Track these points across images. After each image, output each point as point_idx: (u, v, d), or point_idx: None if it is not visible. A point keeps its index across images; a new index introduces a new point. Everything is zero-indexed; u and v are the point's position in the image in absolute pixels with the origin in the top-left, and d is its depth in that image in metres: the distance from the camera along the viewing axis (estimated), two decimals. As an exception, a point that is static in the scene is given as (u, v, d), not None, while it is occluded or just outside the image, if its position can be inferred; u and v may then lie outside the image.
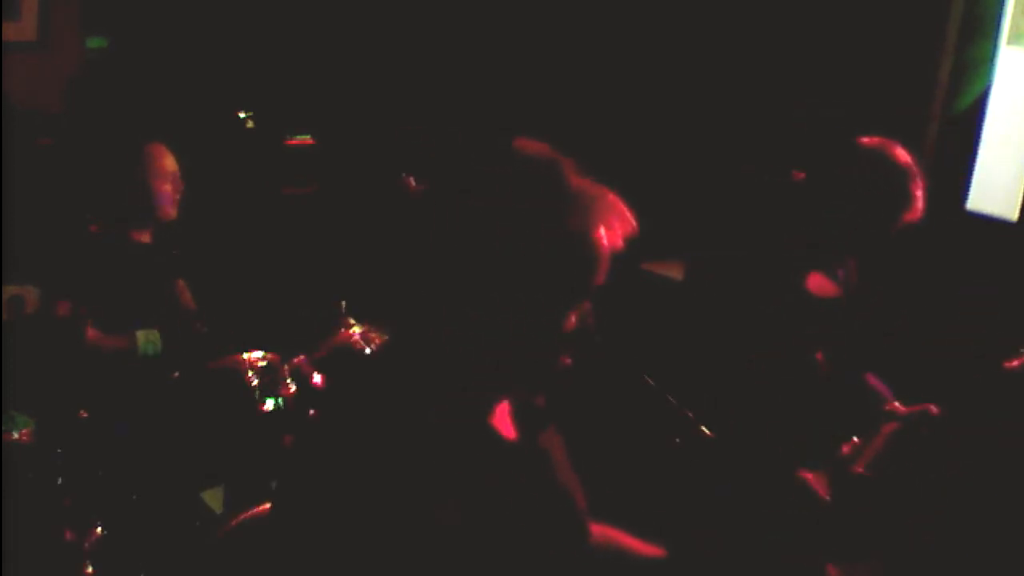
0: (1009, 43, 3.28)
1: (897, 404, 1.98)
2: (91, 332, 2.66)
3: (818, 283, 2.43)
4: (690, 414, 1.75)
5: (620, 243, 1.27)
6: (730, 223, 2.55)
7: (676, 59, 3.89)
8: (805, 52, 3.56)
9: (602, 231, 1.25)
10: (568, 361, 1.30)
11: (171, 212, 2.86)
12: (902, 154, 2.32)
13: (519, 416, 1.37)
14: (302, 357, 2.46)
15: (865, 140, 2.36)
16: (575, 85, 4.03)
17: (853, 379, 2.50)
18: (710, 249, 2.58)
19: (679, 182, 3.89)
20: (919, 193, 2.30)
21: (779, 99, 3.65)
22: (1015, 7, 3.25)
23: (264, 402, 2.38)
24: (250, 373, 2.39)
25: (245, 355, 2.44)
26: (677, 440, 1.81)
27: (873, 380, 2.54)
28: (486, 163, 1.28)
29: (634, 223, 1.29)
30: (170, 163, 2.85)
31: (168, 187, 2.83)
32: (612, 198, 1.28)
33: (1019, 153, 3.28)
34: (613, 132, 3.95)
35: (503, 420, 1.35)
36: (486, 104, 4.02)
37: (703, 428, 1.80)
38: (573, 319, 1.28)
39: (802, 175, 2.46)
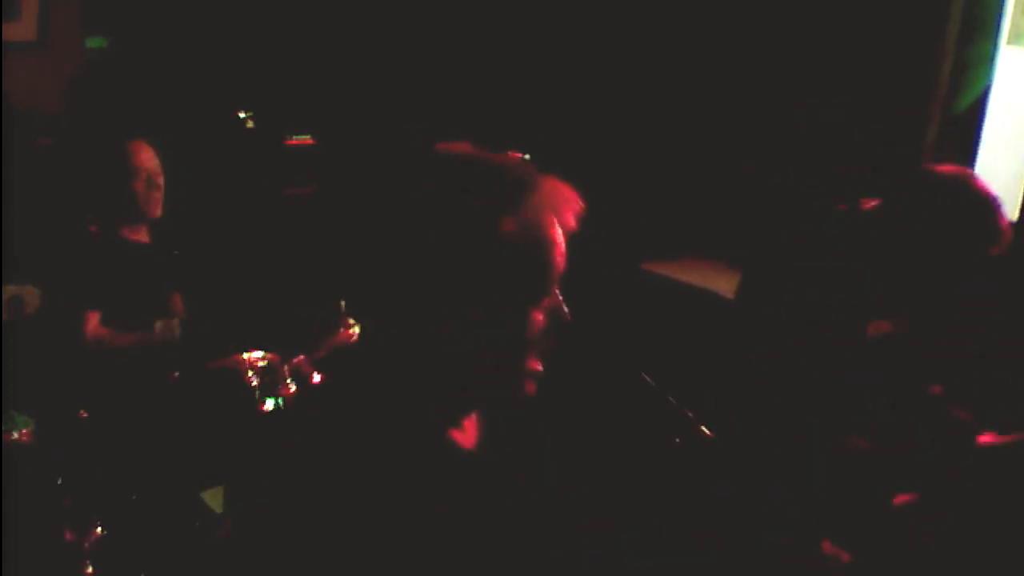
0: (1009, 43, 3.28)
1: (989, 436, 1.95)
2: (101, 329, 2.66)
3: (877, 324, 2.26)
4: (690, 414, 1.75)
5: (572, 224, 1.25)
6: (789, 257, 2.38)
7: (676, 60, 3.89)
8: (805, 52, 3.56)
9: (552, 217, 1.22)
10: (538, 366, 1.28)
11: (149, 211, 2.82)
12: (983, 184, 2.14)
13: (486, 425, 1.35)
14: (302, 357, 2.46)
15: (941, 169, 2.17)
16: (576, 86, 4.03)
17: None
18: (766, 288, 2.41)
19: (679, 183, 3.89)
20: (1005, 225, 2.12)
21: (779, 99, 3.65)
22: (1015, 7, 3.24)
23: (264, 402, 2.38)
24: (250, 373, 2.39)
25: (245, 355, 2.44)
26: (677, 440, 1.81)
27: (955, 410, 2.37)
28: (421, 169, 1.25)
29: (581, 201, 1.25)
30: (144, 161, 2.80)
31: (140, 186, 2.79)
32: (554, 181, 1.25)
33: (1019, 153, 3.28)
34: (613, 134, 3.95)
35: (467, 431, 1.32)
36: (488, 104, 4.02)
37: (703, 428, 1.81)
38: (540, 317, 1.26)
39: (871, 203, 2.23)
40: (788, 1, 3.60)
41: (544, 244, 1.22)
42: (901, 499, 1.91)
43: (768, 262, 2.38)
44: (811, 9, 3.54)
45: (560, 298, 1.27)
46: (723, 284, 3.47)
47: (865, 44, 3.41)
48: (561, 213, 1.24)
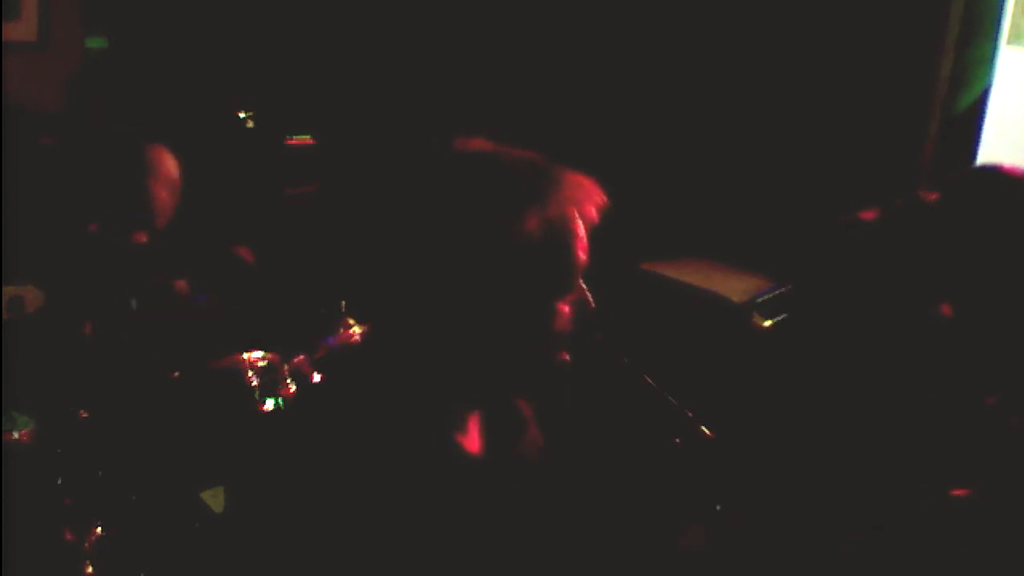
0: (1009, 43, 3.28)
1: None
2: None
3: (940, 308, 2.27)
4: (690, 414, 1.75)
5: (594, 217, 1.25)
6: (845, 248, 2.37)
7: (675, 59, 3.89)
8: (805, 52, 3.56)
9: (575, 211, 1.23)
10: (567, 357, 1.28)
11: (162, 221, 2.81)
12: None
13: (492, 425, 1.35)
14: (302, 357, 2.45)
15: (1006, 167, 2.14)
16: (576, 86, 4.03)
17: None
18: (822, 279, 2.40)
19: (679, 183, 3.89)
20: None
21: (778, 98, 3.65)
22: (1015, 7, 3.25)
23: (264, 402, 2.38)
24: (250, 373, 2.39)
25: (245, 355, 2.44)
26: (677, 440, 1.81)
27: None
28: (442, 167, 1.25)
29: (602, 195, 1.26)
30: (171, 168, 2.81)
31: (165, 194, 2.78)
32: (575, 175, 1.25)
33: (1019, 153, 3.28)
34: (612, 134, 3.95)
35: (471, 433, 1.32)
36: (488, 104, 4.02)
37: (703, 428, 1.80)
38: (567, 309, 1.25)
39: (932, 196, 2.30)
40: (788, 1, 3.60)
41: (569, 239, 1.22)
42: (957, 492, 1.91)
43: (828, 260, 2.37)
44: (811, 9, 3.54)
45: (585, 289, 1.27)
46: (723, 284, 3.48)
47: (865, 44, 3.40)
48: (583, 207, 1.24)
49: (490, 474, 1.30)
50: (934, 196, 2.17)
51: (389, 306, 1.26)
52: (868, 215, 2.24)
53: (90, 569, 2.05)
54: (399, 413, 1.22)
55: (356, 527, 1.17)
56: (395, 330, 1.26)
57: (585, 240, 1.24)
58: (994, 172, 2.13)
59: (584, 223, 1.24)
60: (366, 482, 1.18)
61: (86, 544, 2.06)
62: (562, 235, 1.22)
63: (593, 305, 1.28)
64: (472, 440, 1.31)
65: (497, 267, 1.19)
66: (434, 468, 1.21)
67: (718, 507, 1.82)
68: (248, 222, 3.87)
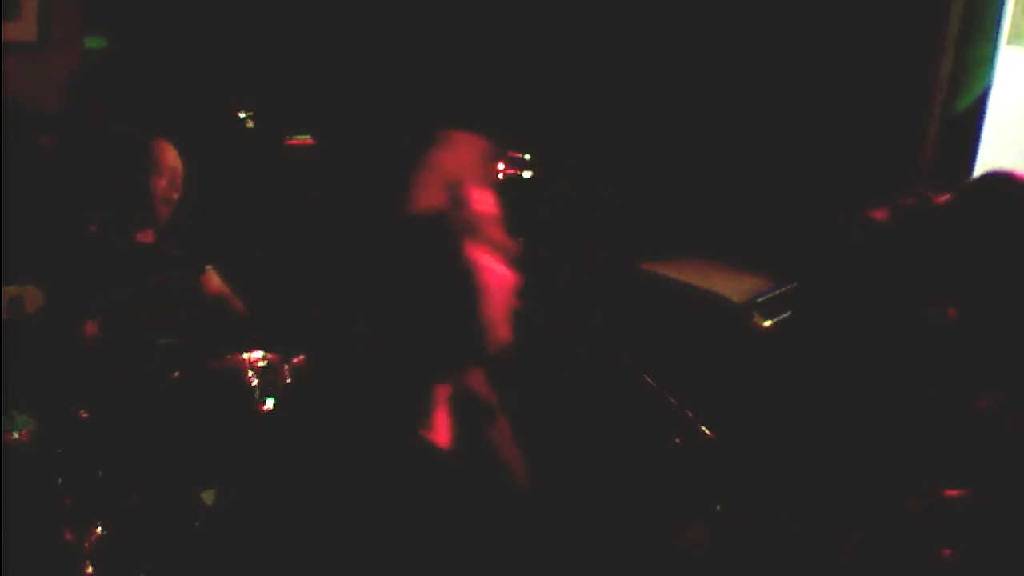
0: (1009, 43, 3.28)
1: None
2: (222, 286, 2.70)
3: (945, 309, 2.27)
4: (690, 414, 1.75)
5: (476, 162, 1.29)
6: (848, 248, 2.37)
7: (676, 59, 3.89)
8: (805, 52, 3.56)
9: (455, 160, 1.27)
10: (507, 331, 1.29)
11: (161, 210, 2.81)
12: None
13: (458, 414, 1.35)
14: (302, 357, 2.46)
15: (1017, 175, 2.11)
16: (577, 86, 4.03)
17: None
18: (825, 280, 2.39)
19: (679, 183, 3.89)
20: None
21: (779, 98, 3.65)
22: (1015, 7, 3.25)
23: (264, 402, 2.38)
24: (250, 373, 2.40)
25: (245, 355, 2.44)
26: (677, 440, 1.81)
27: None
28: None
29: (485, 142, 1.30)
30: (169, 159, 2.81)
31: (163, 183, 2.78)
32: (457, 134, 1.31)
33: (1019, 153, 3.28)
34: (613, 134, 3.95)
35: (439, 425, 1.33)
36: (489, 104, 4.02)
37: (703, 428, 1.81)
38: (489, 260, 1.26)
39: (942, 199, 2.29)
40: (789, 1, 3.60)
41: (454, 186, 1.25)
42: (951, 493, 1.91)
43: (834, 259, 2.37)
44: (811, 9, 3.54)
45: (507, 240, 1.29)
46: (723, 284, 3.48)
47: (865, 44, 3.41)
48: (462, 157, 1.27)
49: (461, 464, 1.30)
50: (944, 199, 2.16)
51: (349, 302, 1.30)
52: (879, 215, 2.24)
53: (90, 569, 2.05)
54: (371, 407, 1.24)
55: (348, 526, 1.17)
56: (356, 324, 1.28)
57: (481, 189, 1.26)
58: (1007, 180, 2.12)
59: (471, 173, 1.26)
60: (348, 480, 1.18)
61: (86, 544, 2.06)
62: (463, 188, 1.25)
63: (515, 247, 1.30)
64: (440, 432, 1.32)
65: (405, 230, 1.23)
66: (406, 462, 1.22)
67: (718, 507, 1.82)
68: (248, 222, 3.87)
